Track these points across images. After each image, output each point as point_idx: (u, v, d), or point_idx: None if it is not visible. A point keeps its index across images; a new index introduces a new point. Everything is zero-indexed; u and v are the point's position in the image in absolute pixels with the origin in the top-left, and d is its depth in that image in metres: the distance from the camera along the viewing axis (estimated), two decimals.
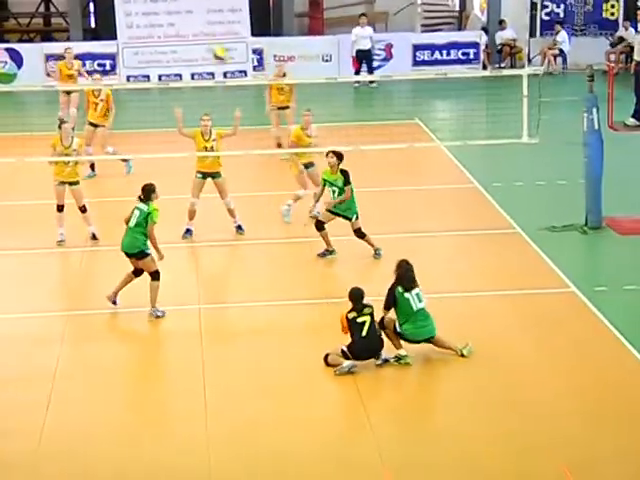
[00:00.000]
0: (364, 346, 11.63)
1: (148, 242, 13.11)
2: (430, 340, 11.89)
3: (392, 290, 11.80)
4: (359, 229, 15.06)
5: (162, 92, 25.25)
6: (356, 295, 11.73)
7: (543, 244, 15.47)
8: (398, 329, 11.78)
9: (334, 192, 15.02)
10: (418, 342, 11.87)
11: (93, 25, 32.75)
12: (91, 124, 19.72)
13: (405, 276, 11.81)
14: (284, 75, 20.99)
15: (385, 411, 11.03)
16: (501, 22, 30.32)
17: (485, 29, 30.44)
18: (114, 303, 13.47)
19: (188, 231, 16.17)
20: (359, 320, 11.62)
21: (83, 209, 16.07)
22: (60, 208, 15.93)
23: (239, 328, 13.16)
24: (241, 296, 14.02)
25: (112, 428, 10.62)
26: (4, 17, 33.67)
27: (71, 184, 15.99)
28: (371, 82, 27.88)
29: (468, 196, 18.07)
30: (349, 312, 11.67)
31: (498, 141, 17.55)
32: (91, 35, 31.39)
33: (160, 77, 28.66)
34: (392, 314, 11.84)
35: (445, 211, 17.14)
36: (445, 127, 24.17)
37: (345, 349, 11.63)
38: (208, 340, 12.64)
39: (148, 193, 13.30)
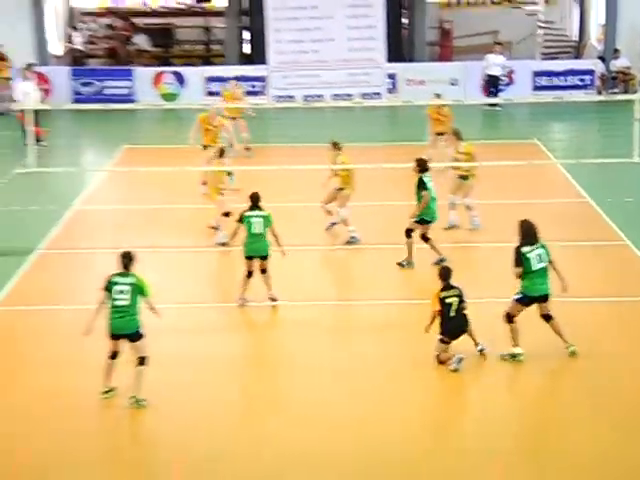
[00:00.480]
0: (453, 325, 11.63)
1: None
2: (545, 299, 11.54)
3: (518, 249, 11.64)
4: (408, 230, 14.79)
5: (306, 111, 25.69)
6: (445, 273, 11.71)
7: None
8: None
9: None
10: (533, 301, 11.57)
11: (247, 51, 33.41)
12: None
13: (529, 232, 11.65)
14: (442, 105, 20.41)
15: (512, 405, 10.96)
16: (616, 51, 29.69)
17: (601, 57, 29.85)
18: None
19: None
20: (448, 300, 11.61)
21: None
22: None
23: (362, 324, 13.17)
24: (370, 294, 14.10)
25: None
26: (171, 44, 34.69)
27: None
28: (495, 105, 27.54)
29: (580, 210, 17.80)
30: (440, 291, 11.66)
31: (610, 160, 17.23)
32: (245, 60, 32.03)
33: (304, 98, 29.05)
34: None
35: (559, 223, 16.89)
36: (561, 147, 23.82)
37: (440, 336, 11.63)
38: (337, 334, 12.79)
39: (257, 200, 13.56)
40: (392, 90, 29.60)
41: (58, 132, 24.87)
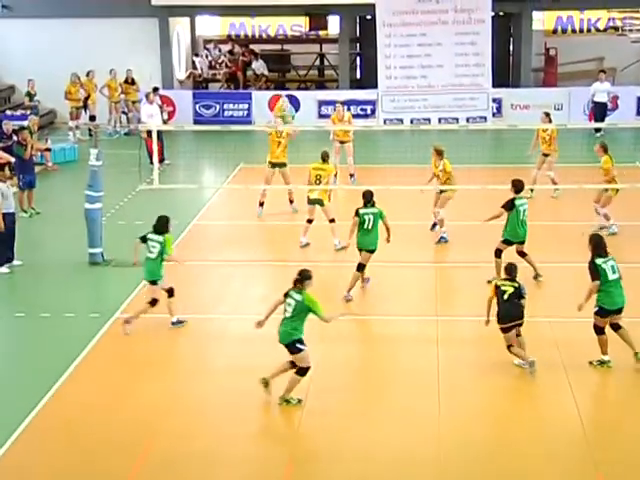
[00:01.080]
0: (505, 310, 11.70)
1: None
2: (621, 310, 11.67)
3: (592, 262, 11.68)
4: (497, 250, 14.79)
5: (413, 133, 25.63)
6: (509, 268, 11.95)
7: None
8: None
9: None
10: (610, 314, 11.63)
11: (358, 76, 33.61)
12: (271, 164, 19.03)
13: (600, 244, 11.71)
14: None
15: (597, 416, 10.76)
16: None
17: None
18: None
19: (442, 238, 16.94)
20: (502, 288, 11.77)
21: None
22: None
23: (464, 337, 13.19)
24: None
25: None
26: (287, 69, 35.14)
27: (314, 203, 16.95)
28: (597, 130, 26.96)
29: None
30: (499, 280, 12.04)
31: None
32: (356, 85, 32.21)
33: (412, 121, 29.01)
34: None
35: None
36: None
37: (499, 325, 11.78)
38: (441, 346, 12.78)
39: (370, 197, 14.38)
40: (497, 114, 29.33)
41: (180, 151, 25.46)
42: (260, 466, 9.99)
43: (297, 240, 17.15)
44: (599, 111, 27.60)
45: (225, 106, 30.25)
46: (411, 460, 9.90)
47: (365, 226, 14.34)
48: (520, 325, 11.84)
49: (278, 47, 35.37)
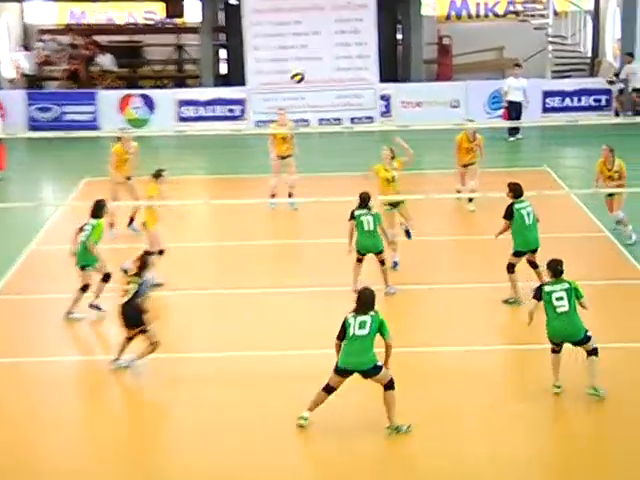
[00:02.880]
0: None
1: None
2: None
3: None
4: (509, 264, 15.06)
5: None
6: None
7: None
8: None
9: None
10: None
11: (224, 72, 33.58)
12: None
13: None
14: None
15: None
16: (630, 55, 29.65)
17: (617, 74, 30.03)
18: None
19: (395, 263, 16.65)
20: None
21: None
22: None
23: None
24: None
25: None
26: (139, 64, 34.83)
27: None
28: (512, 133, 27.54)
29: (598, 245, 17.84)
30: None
31: (631, 189, 17.31)
32: (222, 81, 32.18)
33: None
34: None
35: (575, 260, 16.89)
36: (575, 175, 23.91)
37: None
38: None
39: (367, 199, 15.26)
40: (386, 113, 29.76)
41: (13, 163, 24.86)
42: None
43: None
44: (514, 112, 27.58)
45: (66, 109, 29.73)
46: None
47: (366, 228, 15.28)
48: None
49: (128, 38, 35.07)
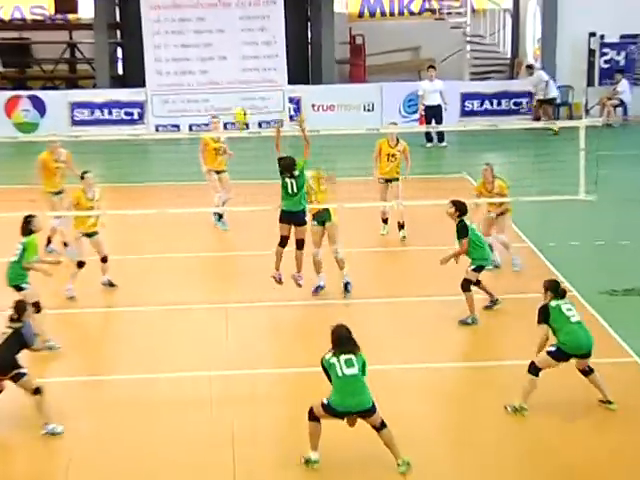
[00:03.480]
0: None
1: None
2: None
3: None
4: (466, 280, 15.03)
5: (193, 142, 25.44)
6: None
7: (602, 309, 15.26)
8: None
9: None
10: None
11: (121, 72, 33.21)
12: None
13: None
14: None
15: None
16: (530, 67, 30.33)
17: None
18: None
19: (319, 287, 16.23)
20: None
21: (105, 259, 16.54)
22: (80, 264, 16.19)
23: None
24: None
25: None
26: (27, 63, 34.26)
27: (90, 235, 16.45)
28: (441, 140, 27.62)
29: (520, 257, 17.95)
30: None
31: (553, 197, 17.48)
32: (119, 82, 31.82)
33: (191, 127, 28.91)
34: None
35: (496, 272, 17.03)
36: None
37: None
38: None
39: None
40: (295, 117, 29.71)
41: None
42: None
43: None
44: (433, 116, 27.60)
45: None
46: None
47: (288, 191, 15.49)
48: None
49: (15, 35, 34.48)
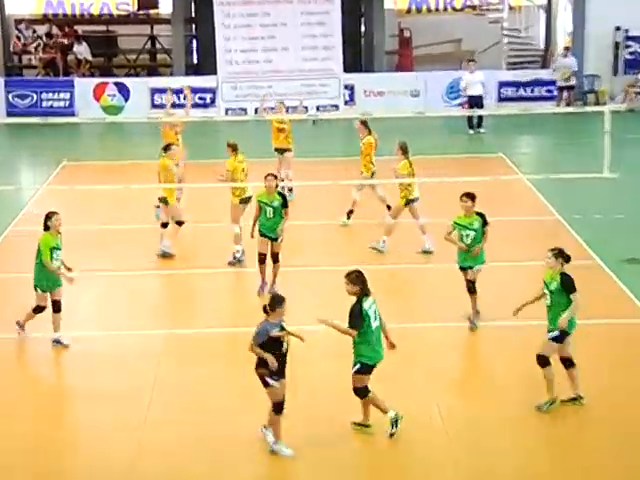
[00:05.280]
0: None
1: None
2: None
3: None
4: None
5: (258, 124, 25.65)
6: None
7: (622, 275, 15.31)
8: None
9: (467, 237, 13.45)
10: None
11: (195, 61, 33.40)
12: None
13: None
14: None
15: None
16: (566, 49, 30.04)
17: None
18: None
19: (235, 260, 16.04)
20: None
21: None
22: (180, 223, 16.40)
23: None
24: None
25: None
26: (114, 53, 34.56)
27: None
28: (479, 126, 27.22)
29: (549, 228, 17.97)
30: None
31: (579, 175, 17.45)
32: (193, 70, 32.01)
33: (256, 110, 28.99)
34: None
35: (526, 242, 17.06)
36: (528, 161, 24.06)
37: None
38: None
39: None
40: (350, 102, 29.77)
41: None
42: None
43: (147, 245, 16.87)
44: (475, 105, 27.21)
45: (43, 96, 29.49)
46: None
47: (268, 215, 14.38)
48: None
49: (103, 28, 34.76)
